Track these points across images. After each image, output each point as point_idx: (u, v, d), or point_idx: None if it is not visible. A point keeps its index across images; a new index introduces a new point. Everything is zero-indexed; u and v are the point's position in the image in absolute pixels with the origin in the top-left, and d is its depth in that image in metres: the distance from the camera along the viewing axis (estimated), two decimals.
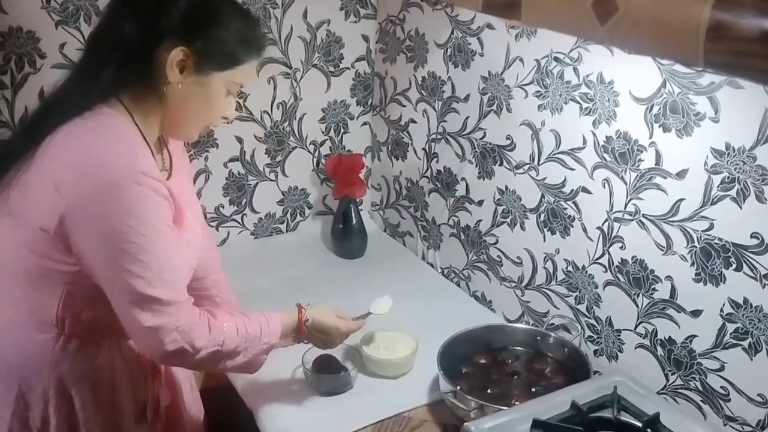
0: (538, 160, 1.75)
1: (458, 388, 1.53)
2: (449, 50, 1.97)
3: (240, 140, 2.17)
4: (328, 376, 1.64)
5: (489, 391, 1.58)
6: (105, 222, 1.25)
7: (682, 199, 1.44)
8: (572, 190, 1.68)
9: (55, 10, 1.83)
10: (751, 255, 1.34)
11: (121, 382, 1.46)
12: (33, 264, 1.32)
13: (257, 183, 2.26)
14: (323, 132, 2.31)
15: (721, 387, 1.43)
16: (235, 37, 1.34)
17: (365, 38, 2.26)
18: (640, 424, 1.35)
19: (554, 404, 1.41)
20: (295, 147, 2.28)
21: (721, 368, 1.43)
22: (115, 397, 1.45)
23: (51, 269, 1.31)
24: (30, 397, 1.39)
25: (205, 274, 1.70)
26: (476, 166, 1.95)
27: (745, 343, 1.38)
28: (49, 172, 1.27)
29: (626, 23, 0.68)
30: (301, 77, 2.20)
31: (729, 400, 1.42)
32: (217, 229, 2.24)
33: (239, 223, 2.28)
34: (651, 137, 1.47)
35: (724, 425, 1.43)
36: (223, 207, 2.24)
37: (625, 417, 1.38)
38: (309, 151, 2.31)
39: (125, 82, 1.33)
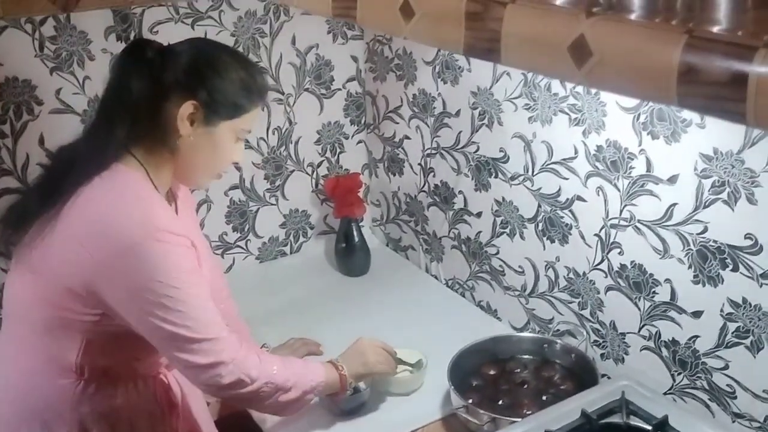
0: (533, 171, 1.78)
1: (470, 401, 1.56)
2: (437, 67, 2.00)
3: (239, 168, 2.21)
4: (341, 397, 1.67)
5: (500, 402, 1.61)
6: (134, 281, 1.30)
7: (675, 204, 1.47)
8: (567, 199, 1.71)
9: (48, 57, 1.86)
10: (746, 255, 1.36)
11: (138, 419, 1.49)
12: (53, 315, 1.36)
13: (258, 208, 2.29)
14: (320, 153, 2.34)
15: (727, 385, 1.46)
16: (239, 87, 1.39)
17: (354, 59, 2.29)
18: (649, 428, 1.38)
19: (564, 413, 1.44)
20: (293, 170, 2.31)
21: (726, 367, 1.45)
22: None
23: (72, 319, 1.35)
24: None
25: (215, 304, 1.73)
26: (472, 179, 1.98)
27: (747, 341, 1.40)
28: (72, 235, 1.31)
29: (601, 68, 0.70)
30: (294, 102, 2.24)
31: (735, 398, 1.45)
32: (223, 257, 2.27)
33: (243, 248, 2.31)
34: (640, 145, 1.50)
35: (732, 422, 1.46)
36: (226, 234, 2.27)
37: (635, 421, 1.41)
38: (307, 173, 2.34)
39: (137, 138, 1.38)
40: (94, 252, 1.30)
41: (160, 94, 1.36)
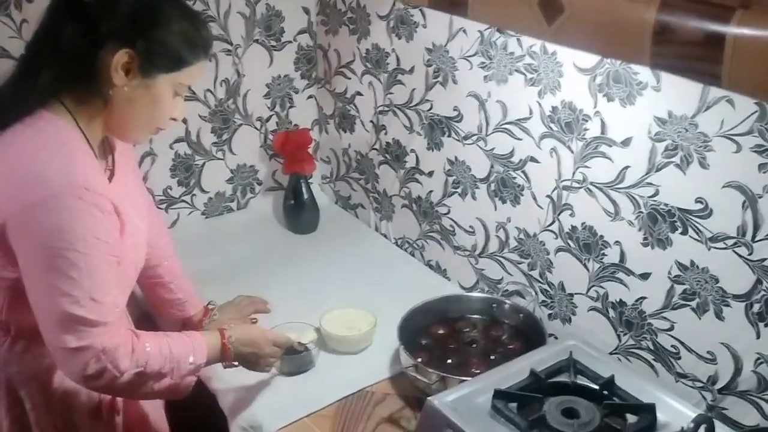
0: (486, 131, 1.76)
1: (419, 360, 1.56)
2: (392, 22, 1.96)
3: (184, 120, 2.14)
4: (288, 357, 1.65)
5: (449, 361, 1.61)
6: (41, 235, 1.23)
7: (627, 167, 1.47)
8: (521, 160, 1.70)
9: None
10: (696, 219, 1.38)
11: (70, 382, 1.42)
12: None
13: (204, 162, 2.24)
14: (269, 107, 2.29)
15: (672, 346, 1.49)
16: (181, 39, 1.31)
17: (306, 11, 2.23)
18: (596, 387, 1.40)
19: (513, 373, 1.44)
20: (241, 124, 2.26)
21: (671, 328, 1.48)
22: (66, 396, 1.44)
23: None
24: None
25: (158, 262, 1.69)
26: (425, 137, 1.96)
27: (693, 304, 1.43)
28: None
29: (572, 24, 0.69)
30: (243, 53, 2.17)
31: (680, 358, 1.48)
32: (167, 211, 2.21)
33: (189, 203, 2.26)
34: (595, 107, 1.49)
35: (676, 382, 1.49)
36: (171, 189, 2.21)
37: (582, 380, 1.42)
38: (255, 128, 2.29)
39: (66, 84, 1.30)
40: (5, 201, 1.23)
41: (95, 40, 1.27)
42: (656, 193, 1.43)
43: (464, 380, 1.45)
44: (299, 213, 2.25)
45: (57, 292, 1.23)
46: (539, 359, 1.47)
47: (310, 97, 2.35)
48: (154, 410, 1.66)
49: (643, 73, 1.38)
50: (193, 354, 1.39)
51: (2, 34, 1.81)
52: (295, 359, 1.65)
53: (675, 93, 1.35)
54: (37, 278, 1.25)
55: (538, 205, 1.69)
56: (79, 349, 1.25)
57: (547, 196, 1.66)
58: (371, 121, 2.15)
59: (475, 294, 1.85)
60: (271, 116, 2.30)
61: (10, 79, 1.33)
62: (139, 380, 1.32)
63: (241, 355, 1.49)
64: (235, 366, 1.50)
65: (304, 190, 2.22)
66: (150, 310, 1.80)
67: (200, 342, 1.42)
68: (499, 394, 1.35)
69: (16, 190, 1.23)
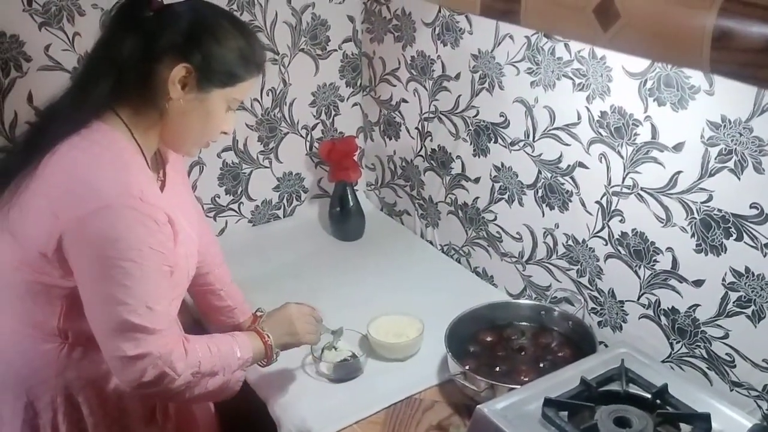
0: (534, 137, 1.75)
1: (467, 368, 1.55)
2: (437, 29, 1.96)
3: (222, 133, 2.16)
4: (337, 363, 1.66)
5: (497, 369, 1.60)
6: (96, 245, 1.25)
7: (679, 172, 1.45)
8: (569, 166, 1.68)
9: (37, 12, 1.80)
10: (751, 225, 1.35)
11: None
12: (33, 279, 1.32)
13: (252, 171, 2.26)
14: (314, 116, 2.30)
15: (726, 354, 1.46)
16: (236, 55, 1.34)
17: (351, 19, 2.25)
18: (649, 396, 1.37)
19: (563, 380, 1.43)
20: (288, 132, 2.28)
21: (726, 336, 1.45)
22: (122, 401, 1.46)
23: (50, 284, 1.32)
24: (38, 405, 1.40)
25: (208, 270, 1.71)
26: (471, 143, 1.96)
27: (749, 311, 1.40)
28: (45, 195, 1.27)
29: (629, 30, 0.68)
30: (289, 62, 2.19)
31: (734, 366, 1.45)
32: (215, 220, 2.24)
33: (236, 211, 2.28)
34: (646, 111, 1.47)
35: (731, 391, 1.46)
36: (219, 197, 2.24)
37: (634, 389, 1.40)
38: (301, 136, 2.31)
39: (123, 96, 1.33)
40: (61, 212, 1.25)
41: (154, 54, 1.30)
42: (710, 199, 1.41)
43: (514, 388, 1.44)
44: (345, 220, 2.26)
45: (113, 301, 1.25)
46: (589, 367, 1.45)
47: (355, 104, 2.36)
48: (205, 417, 1.68)
49: (696, 77, 1.36)
50: (238, 349, 1.43)
51: (55, 47, 1.85)
52: (344, 366, 1.66)
53: (728, 97, 1.32)
54: (93, 288, 1.28)
55: (587, 211, 1.67)
56: (136, 357, 1.27)
57: (597, 202, 1.64)
58: (416, 128, 2.16)
59: (523, 301, 1.84)
60: (316, 124, 2.32)
61: (67, 91, 1.37)
62: (195, 381, 1.36)
63: (278, 336, 1.52)
64: (278, 353, 1.53)
65: (349, 197, 2.23)
66: (200, 318, 1.82)
67: (241, 337, 1.47)
68: (549, 403, 1.34)
69: (73, 202, 1.25)
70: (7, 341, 1.40)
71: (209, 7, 1.41)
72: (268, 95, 2.19)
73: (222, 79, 1.34)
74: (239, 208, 2.28)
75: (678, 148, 1.44)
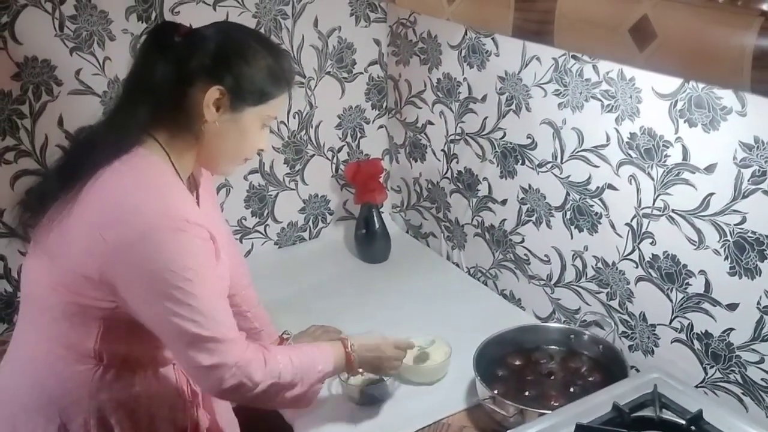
0: (561, 158, 1.74)
1: (496, 392, 1.53)
2: (463, 51, 1.96)
3: (258, 152, 2.16)
4: (366, 387, 1.65)
5: (526, 393, 1.58)
6: (149, 269, 1.27)
7: (712, 194, 1.43)
8: (598, 188, 1.67)
9: (68, 37, 1.83)
10: None
11: (158, 409, 1.47)
12: (70, 301, 1.33)
13: (278, 193, 2.27)
14: (340, 138, 2.31)
15: (762, 379, 1.43)
16: (265, 73, 1.36)
17: (377, 42, 2.26)
18: (683, 422, 1.35)
19: (595, 406, 1.41)
20: (314, 155, 2.28)
21: (761, 360, 1.42)
22: (153, 424, 1.46)
23: (88, 306, 1.33)
24: (71, 427, 1.40)
25: (236, 291, 1.70)
26: (498, 165, 1.95)
27: None
28: (89, 220, 1.28)
29: (666, 50, 0.67)
30: (315, 85, 2.20)
31: None
32: (241, 241, 2.25)
33: (262, 233, 2.29)
34: (677, 132, 1.46)
35: (767, 417, 1.43)
36: (245, 219, 2.24)
37: (667, 415, 1.38)
38: (327, 158, 2.31)
39: (160, 122, 1.35)
40: (108, 237, 1.27)
41: (186, 78, 1.33)
42: (743, 221, 1.39)
43: (544, 413, 1.42)
44: (371, 242, 2.25)
45: (179, 319, 1.28)
46: (621, 392, 1.43)
47: (380, 127, 2.37)
48: None
49: (727, 97, 1.34)
50: (321, 363, 1.47)
51: (86, 72, 1.88)
52: (372, 389, 1.64)
53: (761, 118, 1.31)
54: (154, 309, 1.29)
55: (617, 234, 1.65)
56: (213, 367, 1.31)
57: (626, 224, 1.62)
58: (442, 150, 2.15)
59: (552, 324, 1.82)
60: (342, 146, 2.32)
61: (106, 119, 1.40)
62: (273, 391, 1.39)
63: (366, 361, 1.55)
64: (360, 374, 1.59)
65: (375, 219, 2.22)
66: None
67: (326, 351, 1.50)
68: (581, 429, 1.32)
69: (116, 226, 1.27)
70: (42, 362, 1.40)
71: (236, 29, 1.44)
72: (294, 118, 2.20)
73: (254, 98, 1.36)
74: (265, 230, 2.29)
75: (710, 169, 1.42)
